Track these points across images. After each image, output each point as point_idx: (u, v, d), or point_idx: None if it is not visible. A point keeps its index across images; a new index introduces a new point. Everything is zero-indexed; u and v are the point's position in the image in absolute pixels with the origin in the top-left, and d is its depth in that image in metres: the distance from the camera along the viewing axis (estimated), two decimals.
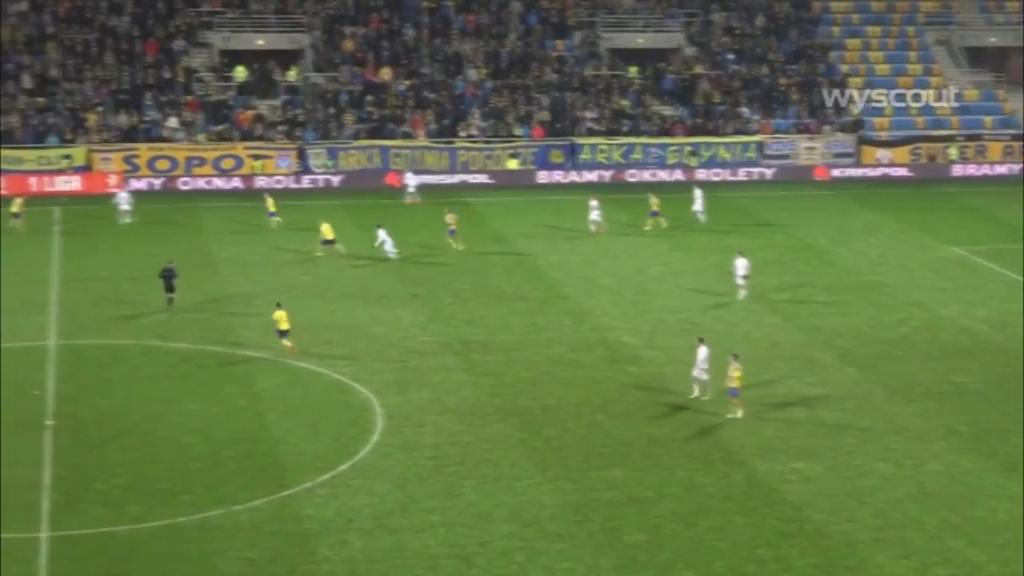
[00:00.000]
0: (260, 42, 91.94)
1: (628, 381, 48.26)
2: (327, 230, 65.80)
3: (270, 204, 72.34)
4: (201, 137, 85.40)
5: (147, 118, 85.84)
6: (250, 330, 53.98)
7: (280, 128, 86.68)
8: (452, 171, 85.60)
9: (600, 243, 69.33)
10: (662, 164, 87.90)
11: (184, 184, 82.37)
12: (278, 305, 51.81)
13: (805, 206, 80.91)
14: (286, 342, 50.66)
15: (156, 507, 37.84)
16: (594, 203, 71.27)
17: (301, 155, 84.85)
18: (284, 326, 50.77)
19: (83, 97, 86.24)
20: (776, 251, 68.69)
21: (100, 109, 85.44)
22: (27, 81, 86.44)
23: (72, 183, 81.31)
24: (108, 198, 74.09)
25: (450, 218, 68.20)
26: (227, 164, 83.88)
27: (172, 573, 34.32)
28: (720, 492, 39.33)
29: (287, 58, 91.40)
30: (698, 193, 75.17)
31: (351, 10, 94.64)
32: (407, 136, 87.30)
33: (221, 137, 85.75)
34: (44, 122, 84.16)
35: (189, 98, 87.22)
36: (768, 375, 49.19)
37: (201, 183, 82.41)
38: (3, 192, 79.00)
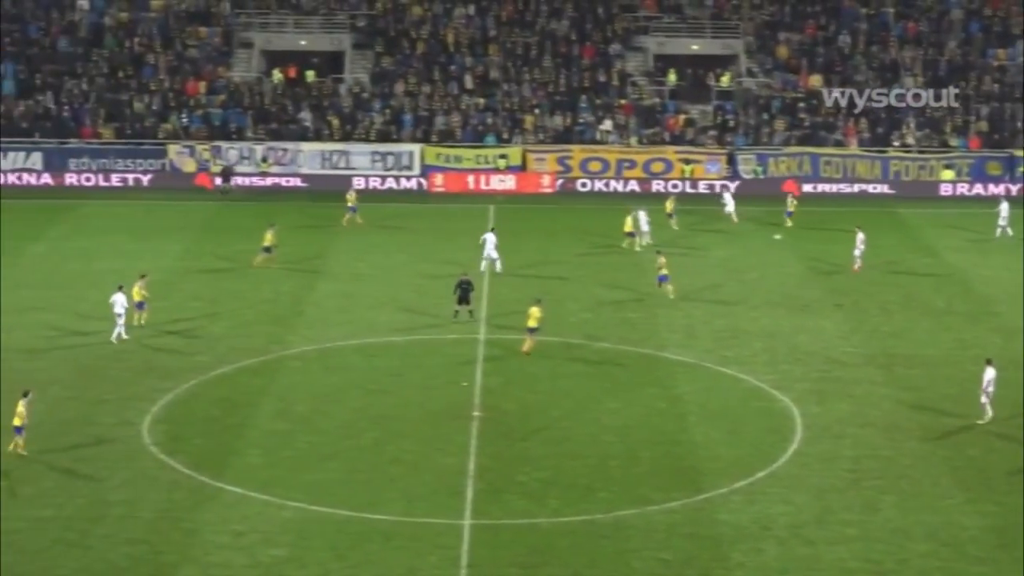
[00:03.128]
0: (694, 47, 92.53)
1: None
2: (629, 223, 67.65)
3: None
4: (633, 140, 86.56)
5: (581, 120, 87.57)
6: (674, 333, 54.46)
7: (710, 133, 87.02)
8: (883, 181, 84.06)
9: None
10: None
11: (615, 186, 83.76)
12: (537, 301, 51.99)
13: None
14: (528, 342, 51.28)
15: (574, 502, 38.63)
16: (861, 236, 64.35)
17: (731, 160, 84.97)
18: (532, 323, 51.22)
19: (521, 99, 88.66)
20: None
21: (537, 111, 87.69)
22: (469, 82, 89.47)
23: (507, 182, 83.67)
24: (540, 199, 75.22)
25: (661, 261, 59.55)
26: (657, 168, 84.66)
27: (587, 568, 34.93)
28: None
29: (720, 63, 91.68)
30: (1004, 207, 71.88)
31: (786, 16, 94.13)
32: (839, 144, 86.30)
33: (652, 141, 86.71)
34: (483, 122, 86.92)
35: (623, 102, 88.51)
36: None
37: (631, 186, 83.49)
38: (442, 189, 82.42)
